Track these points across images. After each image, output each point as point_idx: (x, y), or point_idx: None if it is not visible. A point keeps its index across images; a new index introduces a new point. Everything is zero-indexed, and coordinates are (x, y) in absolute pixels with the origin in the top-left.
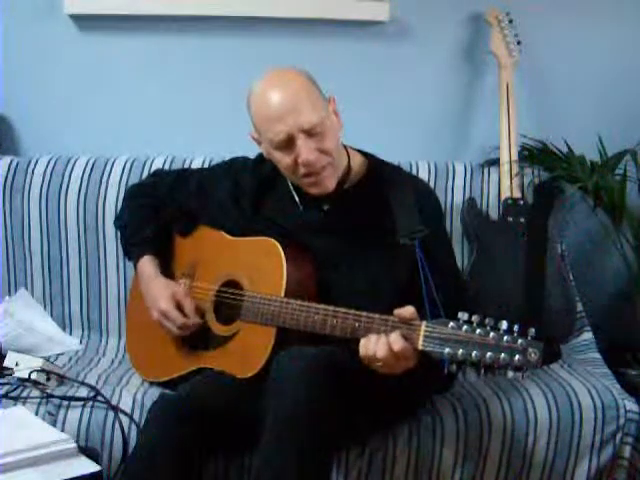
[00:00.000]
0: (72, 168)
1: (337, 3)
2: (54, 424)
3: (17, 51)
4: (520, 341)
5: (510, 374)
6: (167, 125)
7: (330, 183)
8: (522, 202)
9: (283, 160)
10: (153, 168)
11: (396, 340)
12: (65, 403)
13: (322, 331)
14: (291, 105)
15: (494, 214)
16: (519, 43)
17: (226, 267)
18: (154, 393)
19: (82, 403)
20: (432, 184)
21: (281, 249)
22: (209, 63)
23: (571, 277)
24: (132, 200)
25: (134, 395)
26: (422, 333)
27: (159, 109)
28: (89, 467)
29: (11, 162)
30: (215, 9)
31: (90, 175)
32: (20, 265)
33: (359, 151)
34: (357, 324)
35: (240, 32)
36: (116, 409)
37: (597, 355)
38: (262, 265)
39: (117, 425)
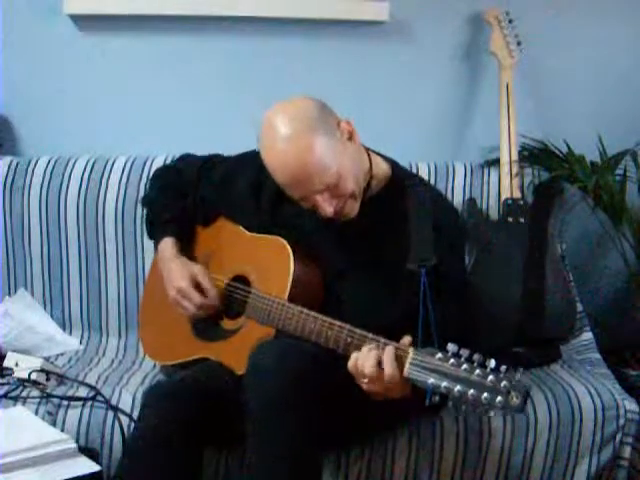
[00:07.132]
0: (72, 168)
1: (337, 3)
2: (54, 424)
3: (17, 51)
4: (504, 383)
5: (492, 414)
6: (167, 125)
7: (352, 212)
8: (522, 202)
9: (301, 203)
10: (153, 168)
11: (388, 358)
12: (65, 403)
13: (317, 340)
14: (304, 175)
15: (494, 214)
16: (519, 43)
17: (237, 261)
18: None
19: (82, 403)
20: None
21: (290, 251)
22: (209, 63)
23: (571, 277)
24: (159, 180)
25: (134, 395)
26: (409, 360)
27: (159, 109)
28: (89, 467)
29: (11, 162)
30: (215, 9)
31: (90, 175)
32: (20, 265)
33: (381, 156)
34: (349, 339)
35: (240, 32)
36: (116, 409)
37: (597, 355)
38: (271, 264)
39: (117, 425)
